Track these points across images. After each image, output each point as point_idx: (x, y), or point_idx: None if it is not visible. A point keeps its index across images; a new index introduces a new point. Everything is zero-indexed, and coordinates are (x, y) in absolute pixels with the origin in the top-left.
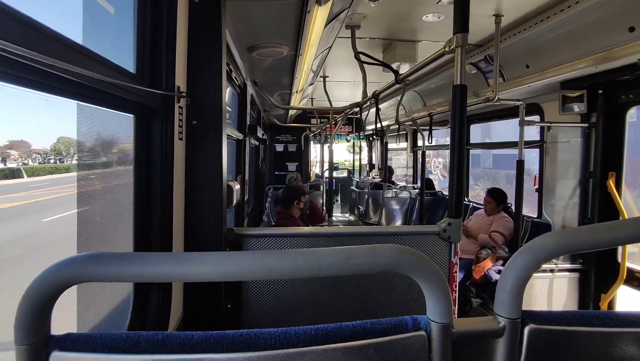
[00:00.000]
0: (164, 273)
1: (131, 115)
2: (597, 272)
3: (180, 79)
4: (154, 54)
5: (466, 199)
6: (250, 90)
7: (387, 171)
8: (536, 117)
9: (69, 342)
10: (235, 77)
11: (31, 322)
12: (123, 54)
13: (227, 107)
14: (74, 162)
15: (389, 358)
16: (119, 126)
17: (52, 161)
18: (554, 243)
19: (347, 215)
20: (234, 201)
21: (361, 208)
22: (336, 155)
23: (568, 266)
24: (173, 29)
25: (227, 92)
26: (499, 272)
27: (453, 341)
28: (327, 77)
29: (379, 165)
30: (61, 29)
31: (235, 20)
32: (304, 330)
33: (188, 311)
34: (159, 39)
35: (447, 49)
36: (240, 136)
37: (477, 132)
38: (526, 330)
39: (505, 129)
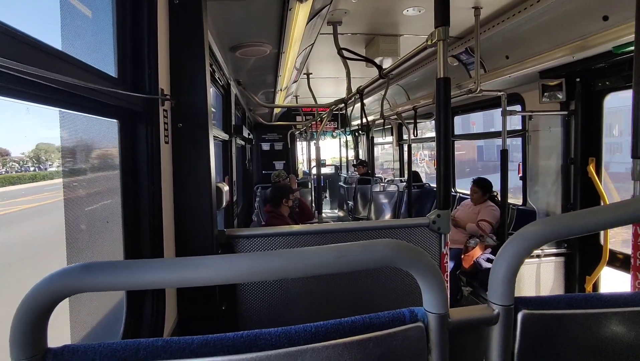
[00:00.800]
0: (159, 280)
1: (115, 120)
2: (582, 255)
3: (164, 82)
4: (135, 57)
5: (453, 190)
6: (234, 90)
7: (373, 165)
8: (518, 107)
9: (66, 354)
10: (218, 78)
11: (27, 336)
12: (104, 58)
13: (212, 108)
14: (52, 169)
15: (389, 350)
16: (104, 131)
17: (31, 169)
18: (542, 230)
19: (336, 211)
20: (224, 203)
21: (350, 203)
22: (327, 152)
23: (554, 251)
24: (154, 31)
25: (211, 93)
26: (488, 260)
27: (450, 330)
28: (311, 74)
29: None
30: (39, 35)
31: (217, 20)
32: (304, 328)
33: (183, 315)
34: (139, 42)
35: (429, 42)
36: (226, 137)
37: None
38: (519, 316)
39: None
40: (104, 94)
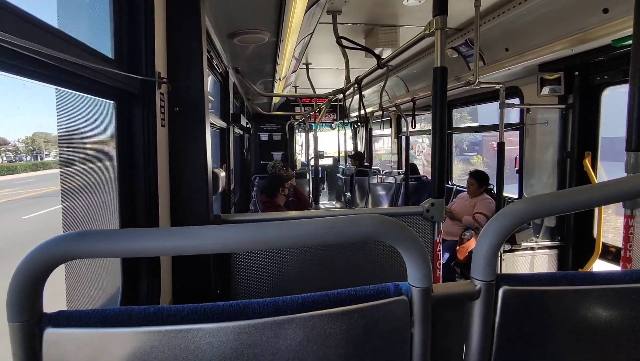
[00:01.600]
0: (151, 247)
1: (111, 101)
2: (575, 248)
3: (160, 65)
4: (132, 39)
5: (450, 183)
6: (232, 78)
7: (371, 157)
8: (516, 100)
9: (61, 319)
10: (216, 65)
11: (23, 300)
12: (100, 39)
13: (210, 96)
14: (47, 159)
15: (373, 321)
16: (100, 115)
17: (27, 158)
18: (524, 209)
19: (334, 202)
20: (220, 188)
21: (348, 195)
22: (327, 143)
23: (548, 243)
24: (150, 13)
25: (209, 80)
26: None
27: (432, 304)
28: (310, 64)
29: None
30: (34, 12)
31: (214, 5)
32: (292, 299)
33: (177, 296)
34: (136, 24)
35: (427, 31)
36: (223, 125)
37: None
38: (500, 291)
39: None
40: (101, 73)
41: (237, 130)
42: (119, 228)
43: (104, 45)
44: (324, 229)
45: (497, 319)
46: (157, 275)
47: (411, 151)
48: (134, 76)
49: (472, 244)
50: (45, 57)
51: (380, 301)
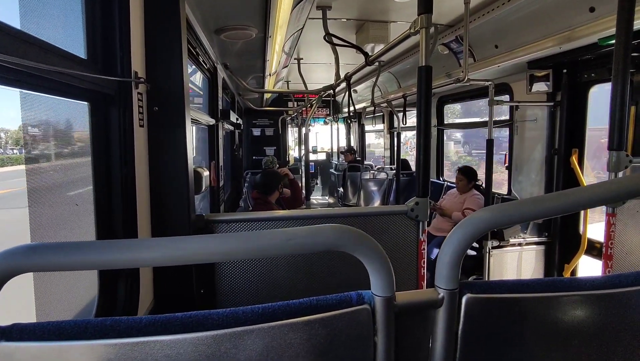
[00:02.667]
0: (106, 260)
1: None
2: (561, 244)
3: (138, 64)
4: (106, 38)
5: (441, 179)
6: (221, 74)
7: (363, 153)
8: (506, 97)
9: (14, 332)
10: (203, 61)
11: None
12: (73, 37)
13: (199, 92)
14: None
15: (335, 331)
16: (73, 113)
17: (14, 151)
18: (486, 217)
19: (327, 198)
20: (203, 187)
21: (340, 190)
22: (322, 138)
23: (535, 239)
24: (126, 10)
25: (198, 76)
26: (472, 248)
27: (396, 313)
28: (302, 59)
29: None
30: None
31: (200, 0)
32: (252, 309)
33: (159, 299)
34: (111, 22)
35: (412, 30)
36: (212, 121)
37: None
38: (464, 300)
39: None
40: (72, 76)
41: (227, 126)
42: (95, 230)
43: (77, 44)
44: (283, 240)
45: (460, 327)
46: (136, 279)
47: (404, 147)
48: (109, 77)
49: None
50: (7, 63)
51: (343, 310)
